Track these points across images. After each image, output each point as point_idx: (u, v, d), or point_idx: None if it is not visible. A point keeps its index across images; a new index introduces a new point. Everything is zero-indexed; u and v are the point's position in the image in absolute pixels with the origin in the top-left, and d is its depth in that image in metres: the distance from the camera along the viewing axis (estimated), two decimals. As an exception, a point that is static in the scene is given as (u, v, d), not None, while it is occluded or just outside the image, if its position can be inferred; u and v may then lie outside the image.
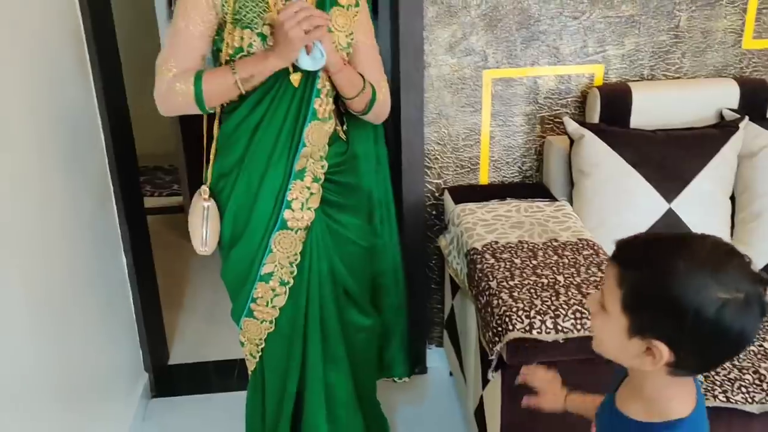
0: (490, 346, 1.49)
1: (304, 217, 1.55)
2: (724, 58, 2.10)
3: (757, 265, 1.87)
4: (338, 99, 1.57)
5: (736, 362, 1.61)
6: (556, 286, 1.53)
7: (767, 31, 2.08)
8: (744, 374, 1.57)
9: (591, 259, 1.65)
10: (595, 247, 1.70)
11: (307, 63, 1.40)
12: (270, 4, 1.41)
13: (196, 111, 1.45)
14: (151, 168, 4.30)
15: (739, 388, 1.51)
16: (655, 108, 2.02)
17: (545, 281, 1.55)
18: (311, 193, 1.55)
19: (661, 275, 0.85)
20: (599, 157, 1.91)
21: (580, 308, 1.46)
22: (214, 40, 1.47)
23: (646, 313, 0.87)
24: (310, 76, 1.46)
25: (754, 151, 1.95)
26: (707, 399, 1.49)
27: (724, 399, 1.49)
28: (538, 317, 1.43)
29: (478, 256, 1.70)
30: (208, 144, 1.58)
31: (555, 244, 1.73)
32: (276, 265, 1.56)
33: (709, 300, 0.82)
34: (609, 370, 1.10)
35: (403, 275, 1.85)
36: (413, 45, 1.98)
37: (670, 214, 1.88)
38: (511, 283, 1.56)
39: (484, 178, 2.18)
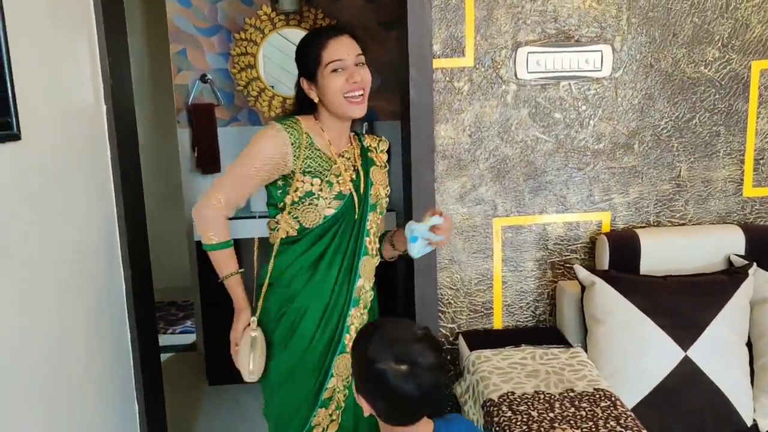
0: None
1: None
2: (726, 205, 2.17)
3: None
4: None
5: None
6: (576, 443, 1.50)
7: (766, 180, 2.17)
8: None
9: (609, 411, 1.62)
10: (612, 398, 1.68)
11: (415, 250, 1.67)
12: (333, 161, 1.68)
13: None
14: (165, 303, 4.34)
15: None
16: (663, 254, 2.06)
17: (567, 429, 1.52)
18: (364, 319, 1.74)
19: (360, 363, 1.25)
20: (611, 305, 1.92)
21: (601, 468, 1.42)
22: (279, 186, 1.67)
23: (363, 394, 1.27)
24: (362, 218, 1.71)
25: (766, 297, 1.96)
26: None
27: None
28: (559, 477, 1.39)
29: (495, 409, 1.68)
30: (258, 277, 1.75)
31: (572, 394, 1.71)
32: (335, 389, 1.70)
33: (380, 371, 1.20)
34: None
35: None
36: (425, 196, 2.07)
37: (687, 362, 1.86)
38: (530, 438, 1.52)
39: (498, 322, 2.19)
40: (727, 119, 2.12)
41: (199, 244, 3.39)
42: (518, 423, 1.59)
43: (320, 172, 1.65)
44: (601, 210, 2.16)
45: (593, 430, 1.55)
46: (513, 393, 1.73)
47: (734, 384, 1.89)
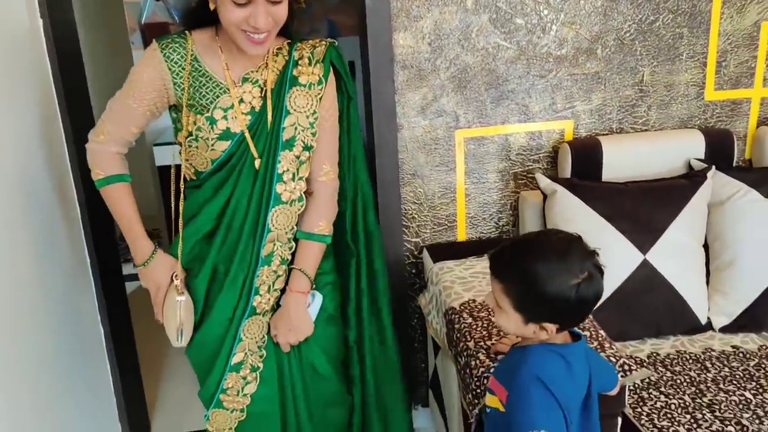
0: (470, 408, 1.47)
1: (270, 299, 1.54)
2: (688, 109, 2.16)
3: (734, 312, 1.90)
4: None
5: (718, 413, 1.60)
6: (534, 344, 1.52)
7: (728, 83, 2.15)
8: (726, 426, 1.56)
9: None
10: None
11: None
12: (226, 88, 1.42)
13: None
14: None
15: (723, 440, 1.50)
16: (625, 160, 2.06)
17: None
18: (278, 276, 1.53)
19: (533, 284, 1.17)
20: (572, 212, 1.93)
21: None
22: (173, 119, 1.49)
23: (532, 311, 1.20)
24: (269, 160, 1.46)
25: (722, 200, 1.98)
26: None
27: (709, 453, 1.48)
28: (517, 377, 1.42)
29: (456, 316, 1.70)
30: (176, 219, 1.55)
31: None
32: (246, 353, 1.54)
33: (567, 287, 1.15)
34: None
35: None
36: (385, 108, 2.02)
37: (645, 265, 1.89)
38: (489, 342, 1.55)
39: (461, 235, 2.20)
40: (690, 20, 2.08)
41: (162, 170, 3.34)
42: (478, 329, 1.62)
43: (203, 106, 1.41)
44: (564, 118, 2.13)
45: (551, 331, 1.58)
46: (474, 300, 1.75)
47: (690, 285, 1.93)
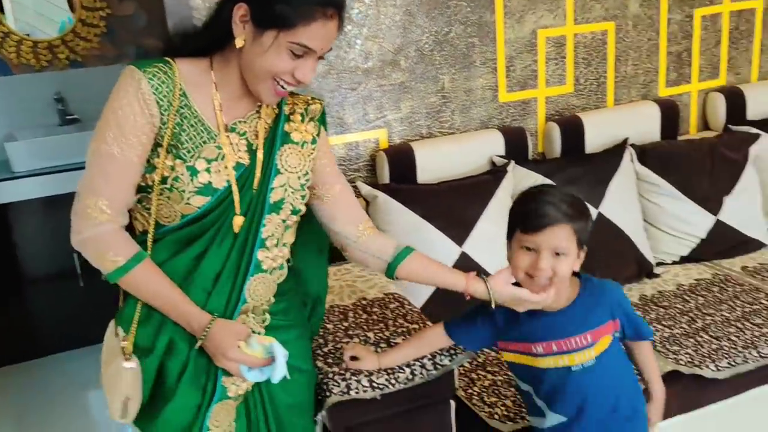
0: (317, 418, 1.50)
1: (243, 384, 1.30)
2: (486, 111, 2.37)
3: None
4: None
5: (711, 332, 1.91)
6: (367, 344, 1.59)
7: (516, 85, 2.39)
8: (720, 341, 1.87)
9: (398, 311, 1.74)
10: (400, 299, 1.80)
11: (254, 375, 1.24)
12: (214, 134, 1.21)
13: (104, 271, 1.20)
14: None
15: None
16: (436, 163, 2.22)
17: (357, 341, 1.61)
18: (264, 344, 1.28)
19: (587, 218, 1.37)
20: (393, 215, 2.04)
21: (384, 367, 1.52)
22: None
23: (586, 237, 1.38)
24: (253, 223, 1.25)
25: (522, 189, 2.20)
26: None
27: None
28: (354, 378, 1.48)
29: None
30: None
31: (364, 302, 1.80)
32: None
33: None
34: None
35: None
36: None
37: (463, 257, 2.05)
38: (325, 349, 1.59)
39: (293, 248, 2.22)
40: (479, 31, 2.29)
41: None
42: (315, 337, 1.65)
43: (186, 150, 1.18)
44: (378, 127, 2.24)
45: (383, 329, 1.66)
46: (309, 311, 1.78)
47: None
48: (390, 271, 1.41)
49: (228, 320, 1.25)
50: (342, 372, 1.49)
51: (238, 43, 1.15)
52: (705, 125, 2.75)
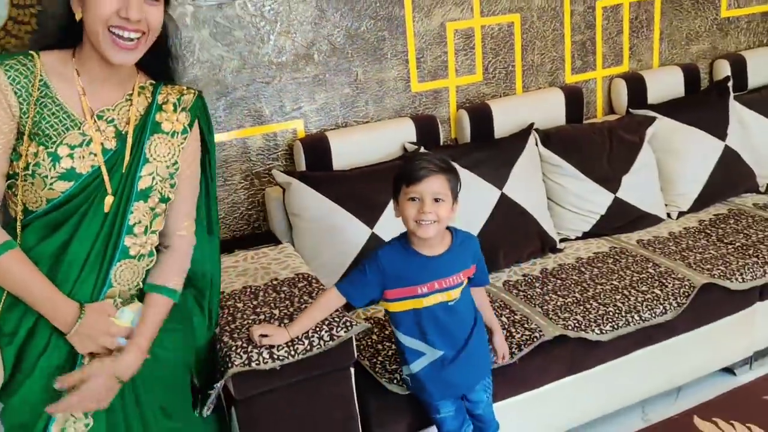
0: (216, 386, 1.63)
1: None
2: (399, 101, 2.51)
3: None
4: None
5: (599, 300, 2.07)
6: (272, 320, 1.72)
7: (428, 76, 2.54)
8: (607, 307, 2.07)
9: (305, 290, 1.87)
10: (309, 278, 1.94)
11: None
12: (79, 122, 1.26)
13: None
14: None
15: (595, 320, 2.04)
16: (351, 150, 2.35)
17: (262, 317, 1.74)
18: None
19: (456, 174, 1.66)
20: (307, 200, 2.17)
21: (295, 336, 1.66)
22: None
23: (455, 190, 1.64)
24: (120, 208, 1.30)
25: (432, 174, 2.35)
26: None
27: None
28: (255, 350, 1.61)
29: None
30: None
31: (275, 282, 1.93)
32: (68, 421, 1.31)
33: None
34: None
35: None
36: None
37: (373, 238, 2.19)
38: (233, 326, 1.72)
39: (216, 235, 2.34)
40: (389, 24, 2.42)
41: None
42: (224, 316, 1.78)
43: (48, 137, 1.23)
44: (295, 118, 2.37)
45: (288, 306, 1.79)
46: (223, 292, 1.90)
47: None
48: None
49: (95, 303, 1.30)
50: (245, 345, 1.63)
51: (77, 16, 1.21)
52: (611, 110, 2.93)
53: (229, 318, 1.76)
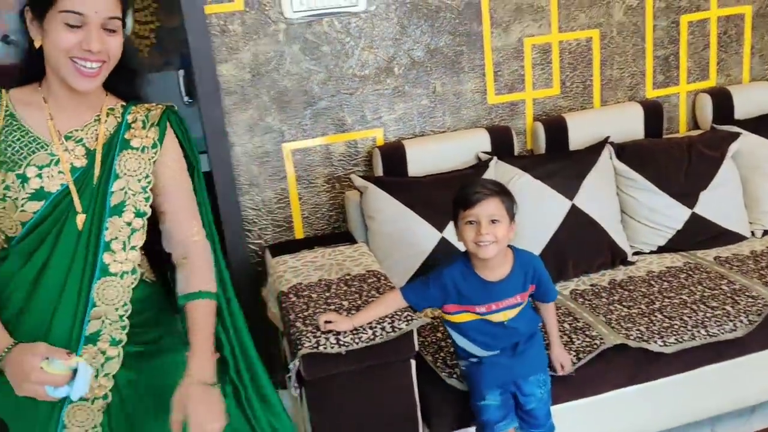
0: (290, 366, 1.80)
1: (102, 384, 1.32)
2: (475, 112, 2.62)
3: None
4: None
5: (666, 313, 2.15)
6: (341, 311, 1.88)
7: (504, 89, 2.63)
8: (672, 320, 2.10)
9: (372, 284, 2.02)
10: (378, 275, 2.08)
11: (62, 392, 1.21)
12: (46, 143, 1.30)
13: None
14: None
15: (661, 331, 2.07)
16: (426, 158, 2.48)
17: (332, 308, 1.89)
18: (107, 358, 1.32)
19: (511, 196, 1.77)
20: (382, 203, 2.32)
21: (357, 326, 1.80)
22: None
23: (511, 212, 1.74)
24: (93, 224, 1.31)
25: (504, 182, 2.43)
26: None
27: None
28: (323, 336, 1.77)
29: (284, 297, 2.03)
30: None
31: (347, 278, 2.09)
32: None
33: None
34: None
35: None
36: (216, 130, 2.33)
37: (443, 242, 2.30)
38: (306, 313, 1.89)
39: (299, 233, 2.53)
40: (467, 40, 2.54)
41: None
42: (300, 305, 1.95)
43: (15, 162, 1.27)
44: (375, 127, 2.53)
45: (357, 299, 1.93)
46: (300, 284, 2.08)
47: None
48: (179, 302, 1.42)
49: (27, 344, 1.24)
50: (314, 331, 1.79)
51: (37, 44, 1.27)
52: (696, 125, 2.90)
53: (303, 306, 1.93)
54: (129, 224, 1.35)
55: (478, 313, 1.79)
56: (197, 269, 1.43)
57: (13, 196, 1.26)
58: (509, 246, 1.81)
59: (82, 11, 1.24)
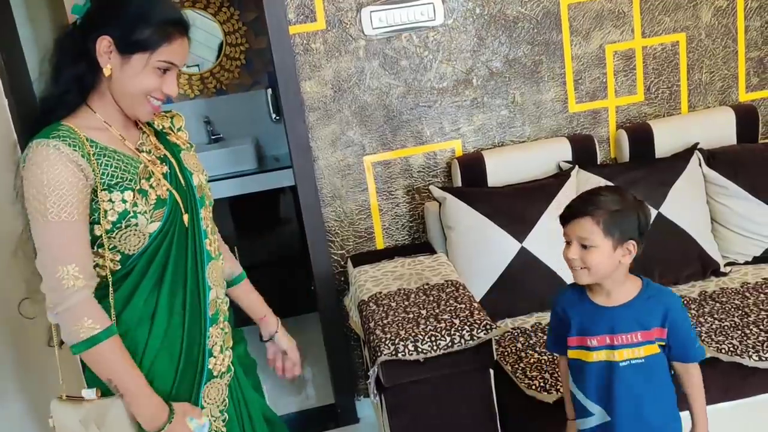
0: (370, 373, 1.85)
1: (225, 360, 1.46)
2: (556, 121, 2.59)
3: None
4: None
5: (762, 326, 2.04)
6: (419, 319, 1.91)
7: (586, 97, 2.59)
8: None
9: (451, 294, 2.04)
10: (457, 284, 2.10)
11: None
12: (136, 159, 1.36)
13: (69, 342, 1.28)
14: None
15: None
16: (506, 168, 2.48)
17: (411, 316, 1.93)
18: (225, 333, 1.47)
19: (620, 212, 1.43)
20: (461, 213, 2.34)
21: (435, 333, 1.83)
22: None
23: (618, 232, 1.43)
24: (193, 217, 1.41)
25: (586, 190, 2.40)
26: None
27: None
28: (402, 343, 1.81)
29: (365, 306, 2.08)
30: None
31: (426, 287, 2.12)
32: (209, 419, 1.41)
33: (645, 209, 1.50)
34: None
35: None
36: (300, 144, 2.43)
37: (522, 252, 2.29)
38: (385, 321, 1.93)
39: (380, 244, 2.59)
40: (546, 49, 2.52)
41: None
42: (379, 313, 2.00)
43: (128, 180, 1.31)
44: (453, 138, 2.55)
45: (435, 308, 1.96)
46: (380, 293, 2.14)
47: (563, 264, 2.32)
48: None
49: (178, 404, 1.34)
50: (393, 338, 1.83)
51: (107, 72, 1.28)
52: (797, 128, 2.75)
53: (383, 314, 1.98)
54: (210, 213, 1.50)
55: (589, 349, 1.51)
56: (227, 253, 1.61)
57: (141, 210, 1.30)
58: (638, 275, 1.52)
59: (176, 62, 1.34)
